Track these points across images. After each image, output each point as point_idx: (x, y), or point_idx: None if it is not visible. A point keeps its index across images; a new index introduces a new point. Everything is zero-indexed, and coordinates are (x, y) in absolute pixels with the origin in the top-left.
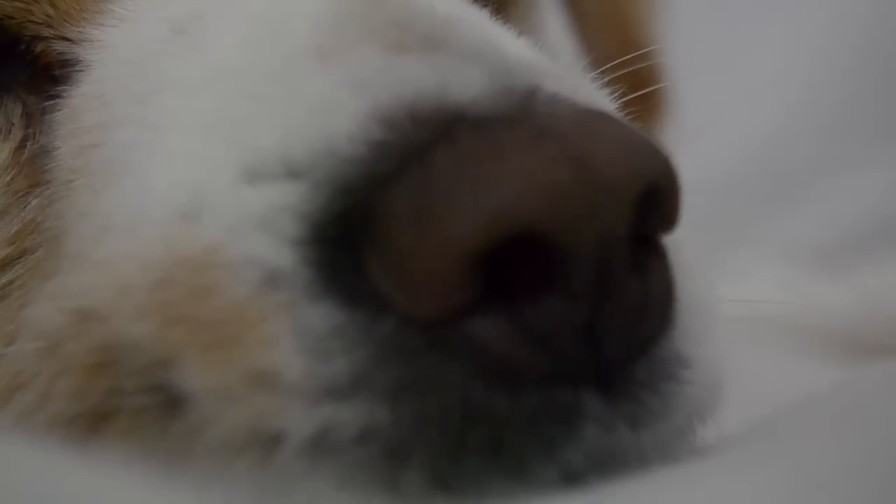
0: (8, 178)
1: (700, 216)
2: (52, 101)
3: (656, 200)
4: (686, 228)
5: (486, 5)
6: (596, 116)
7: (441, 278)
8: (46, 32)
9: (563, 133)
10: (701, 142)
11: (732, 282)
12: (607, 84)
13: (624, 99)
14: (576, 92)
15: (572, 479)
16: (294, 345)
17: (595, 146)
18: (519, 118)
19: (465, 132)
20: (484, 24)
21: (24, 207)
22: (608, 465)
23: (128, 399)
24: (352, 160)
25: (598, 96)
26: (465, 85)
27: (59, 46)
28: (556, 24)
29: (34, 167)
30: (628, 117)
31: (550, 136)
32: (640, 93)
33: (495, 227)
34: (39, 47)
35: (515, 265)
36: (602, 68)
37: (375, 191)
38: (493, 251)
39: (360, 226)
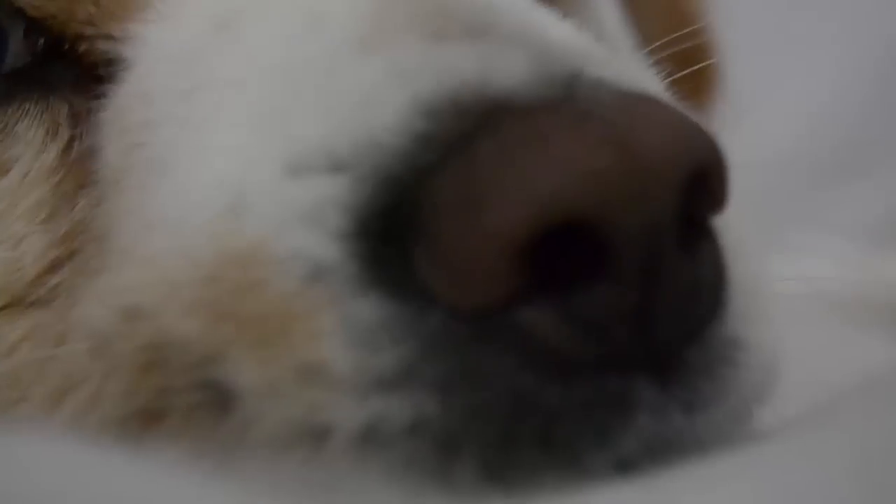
0: (56, 180)
1: (755, 194)
2: (98, 101)
3: (704, 183)
4: (741, 207)
5: None
6: (640, 100)
7: (488, 269)
8: (90, 31)
9: (607, 118)
10: (755, 119)
11: (789, 259)
12: (656, 63)
13: (673, 77)
14: (620, 75)
15: (627, 467)
16: (342, 338)
17: (640, 130)
18: (562, 104)
19: (508, 120)
20: (526, 9)
21: (73, 208)
22: (663, 452)
23: (178, 397)
24: (395, 152)
25: (644, 78)
26: (507, 72)
27: (103, 45)
28: (604, 5)
29: (81, 168)
30: (677, 96)
31: (594, 121)
32: (689, 70)
33: (541, 215)
34: (83, 47)
35: (562, 253)
36: (651, 46)
37: (420, 182)
38: (540, 239)
39: (406, 218)
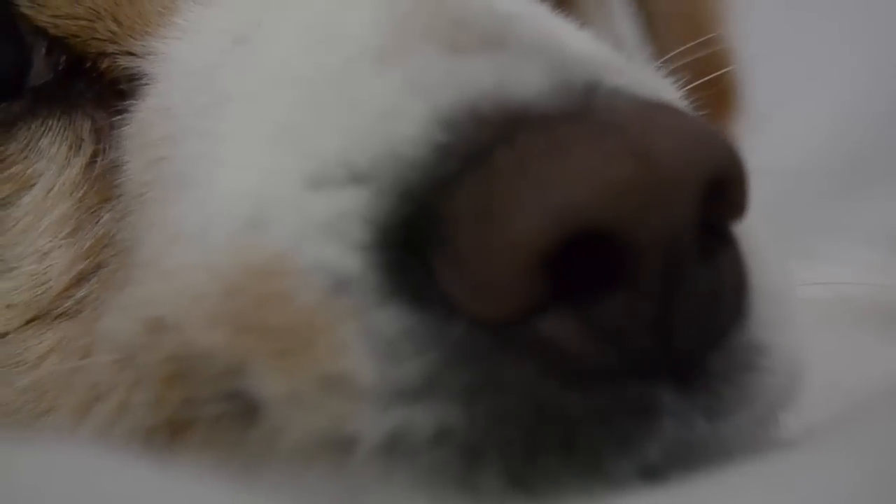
0: (80, 194)
1: (777, 201)
2: (120, 116)
3: (723, 190)
4: (763, 214)
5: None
6: (658, 109)
7: (508, 279)
8: (111, 48)
9: (625, 127)
10: (776, 126)
11: (812, 265)
12: (674, 72)
13: (690, 86)
14: (638, 84)
15: (650, 473)
16: (365, 349)
17: (657, 139)
18: (579, 114)
19: (526, 131)
20: (544, 19)
21: (97, 222)
22: (687, 458)
23: (204, 408)
24: (415, 164)
25: (662, 87)
26: (524, 83)
27: (124, 61)
28: (621, 14)
29: (105, 182)
30: (695, 105)
31: (612, 130)
32: (706, 79)
33: (559, 225)
34: (105, 63)
35: (582, 262)
36: (669, 55)
37: (439, 194)
38: (560, 249)
39: (426, 229)
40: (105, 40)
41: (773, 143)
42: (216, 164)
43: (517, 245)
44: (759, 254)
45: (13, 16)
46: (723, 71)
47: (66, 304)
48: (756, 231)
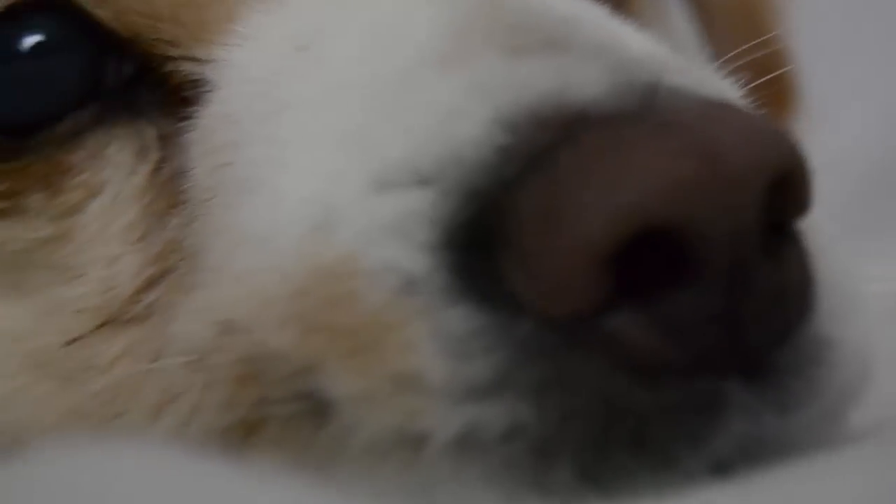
0: (147, 200)
1: (840, 198)
2: (184, 123)
3: (786, 187)
4: (825, 211)
5: (605, 2)
6: (719, 108)
7: (573, 278)
8: (175, 53)
9: (687, 126)
10: (833, 125)
11: (875, 262)
12: (732, 72)
13: (749, 86)
14: (699, 84)
15: (721, 469)
16: (434, 348)
17: (720, 138)
18: (641, 114)
19: (588, 132)
20: (603, 21)
21: (164, 227)
22: (757, 453)
23: (275, 408)
24: (478, 166)
25: (722, 87)
26: (585, 84)
27: (188, 68)
28: (679, 15)
29: (171, 188)
30: (755, 104)
31: (674, 130)
32: (766, 78)
33: (623, 225)
34: (168, 68)
35: (648, 260)
36: (727, 56)
37: (503, 195)
38: (625, 248)
39: (491, 229)
40: (169, 43)
41: (830, 141)
42: (281, 168)
43: (582, 244)
44: (823, 250)
45: (86, 24)
46: (781, 70)
47: (136, 309)
48: (820, 227)
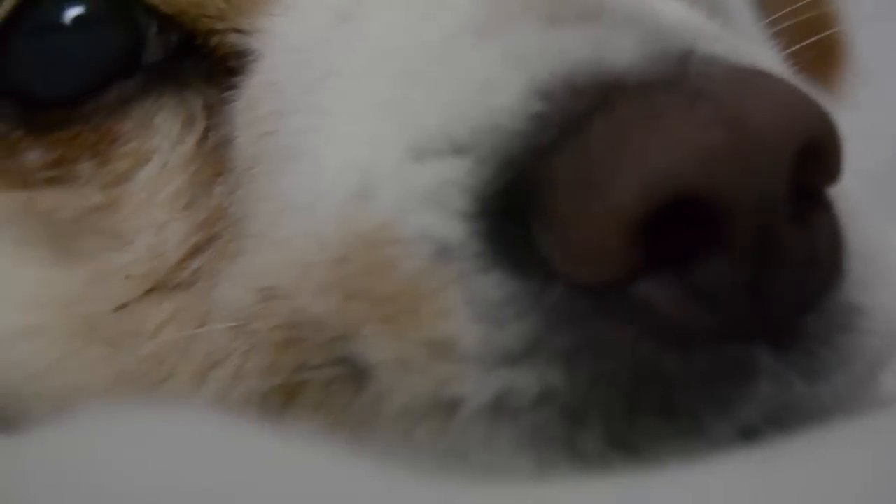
0: (194, 169)
1: (878, 166)
2: (230, 92)
3: (817, 154)
4: (861, 178)
5: None
6: (752, 75)
7: (605, 245)
8: (220, 26)
9: (718, 94)
10: (880, 90)
11: None
12: (777, 34)
13: (794, 49)
14: (733, 50)
15: (749, 434)
16: (468, 314)
17: (750, 105)
18: (674, 82)
19: (621, 100)
20: None
21: (210, 195)
22: (785, 419)
23: (315, 372)
24: (514, 134)
25: (757, 53)
26: (619, 53)
27: (233, 38)
28: None
29: (217, 157)
30: (798, 68)
31: (705, 98)
32: (812, 40)
33: (654, 192)
34: (214, 40)
35: (678, 227)
36: (772, 17)
37: (537, 162)
38: (656, 215)
39: (525, 197)
40: (214, 17)
41: (876, 108)
42: (322, 137)
43: (614, 211)
44: (855, 217)
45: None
46: (828, 32)
47: (183, 275)
48: (853, 195)
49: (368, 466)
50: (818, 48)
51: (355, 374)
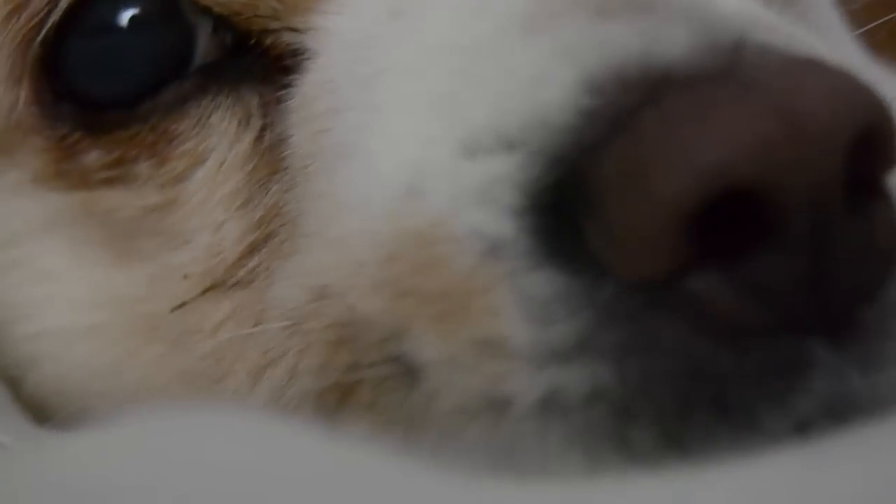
0: (250, 168)
1: None
2: (285, 91)
3: (872, 143)
4: None
5: None
6: (804, 64)
7: (656, 240)
8: (274, 25)
9: (770, 85)
10: None
11: None
12: (853, 13)
13: (869, 26)
14: (787, 40)
15: (806, 428)
16: (519, 312)
17: (802, 96)
18: (725, 74)
19: (671, 93)
20: None
21: (266, 194)
22: (843, 412)
23: (367, 372)
24: (563, 129)
25: (813, 42)
26: (669, 45)
27: (287, 37)
28: None
29: (273, 155)
30: (872, 45)
31: (756, 89)
32: (886, 19)
33: (705, 186)
34: (269, 40)
35: (730, 221)
36: None
37: (587, 158)
38: (707, 209)
39: (575, 193)
40: (268, 17)
41: None
42: (375, 134)
43: (664, 206)
44: None
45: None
46: None
47: (240, 274)
48: None
49: (416, 469)
50: (892, 26)
51: (407, 372)
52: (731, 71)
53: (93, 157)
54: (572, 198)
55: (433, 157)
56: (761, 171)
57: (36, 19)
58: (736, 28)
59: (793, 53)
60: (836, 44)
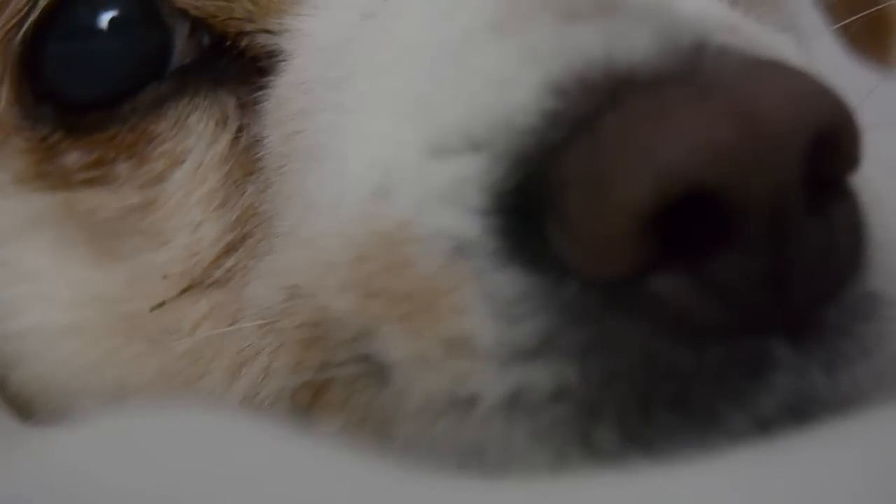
0: (227, 168)
1: None
2: (261, 92)
3: (833, 145)
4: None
5: None
6: (764, 67)
7: (616, 241)
8: (249, 27)
9: (729, 88)
10: None
11: None
12: (831, 7)
13: (845, 22)
14: (749, 42)
15: (768, 426)
16: (484, 311)
17: (760, 98)
18: (685, 76)
19: (632, 95)
20: None
21: (243, 194)
22: (805, 411)
23: (338, 370)
24: (527, 131)
25: (776, 43)
26: (632, 48)
27: (263, 39)
28: None
29: (249, 156)
30: (851, 40)
31: (716, 92)
32: (863, 14)
33: (664, 187)
34: (245, 42)
35: (693, 222)
36: None
37: (550, 159)
38: (666, 210)
39: (538, 194)
40: (243, 19)
41: None
42: (346, 135)
43: (624, 207)
44: (877, 205)
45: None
46: (882, 5)
47: (217, 274)
48: (877, 183)
49: (383, 467)
50: (871, 21)
51: (376, 371)
52: (692, 73)
53: (73, 157)
54: (536, 199)
55: (400, 158)
56: (719, 174)
57: (15, 19)
58: (697, 30)
59: (753, 55)
60: (806, 41)
